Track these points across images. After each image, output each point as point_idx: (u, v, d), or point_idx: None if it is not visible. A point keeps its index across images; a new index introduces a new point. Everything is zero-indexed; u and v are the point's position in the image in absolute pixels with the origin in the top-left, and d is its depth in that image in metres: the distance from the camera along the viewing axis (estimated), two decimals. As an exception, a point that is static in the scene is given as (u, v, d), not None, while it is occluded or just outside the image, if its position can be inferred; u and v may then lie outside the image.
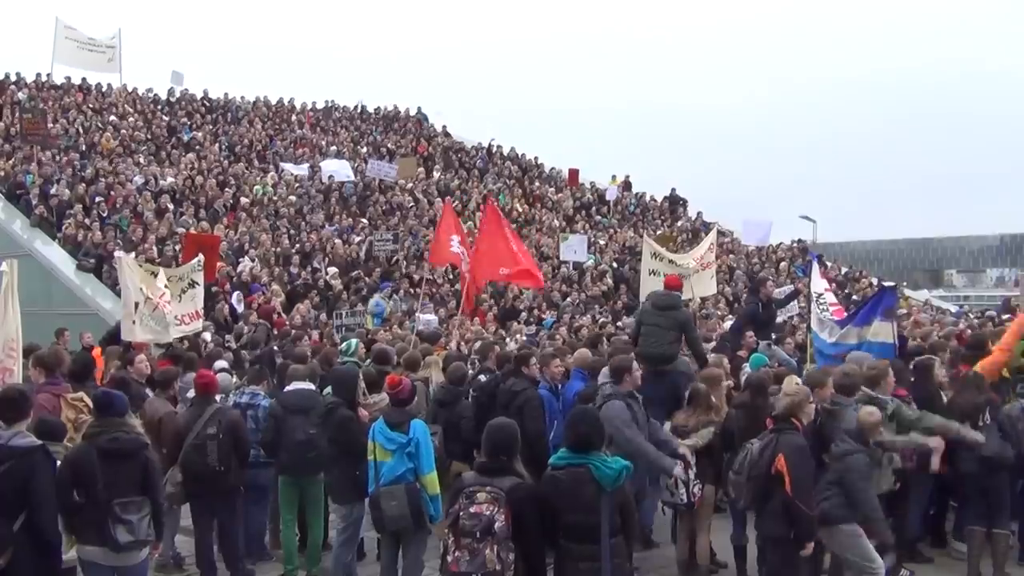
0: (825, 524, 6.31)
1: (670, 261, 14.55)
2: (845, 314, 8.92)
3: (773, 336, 12.20)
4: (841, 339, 8.06)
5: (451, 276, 20.06)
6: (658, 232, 27.35)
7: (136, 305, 10.46)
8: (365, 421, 7.34)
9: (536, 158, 33.86)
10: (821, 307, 8.38)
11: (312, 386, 8.15)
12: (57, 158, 21.83)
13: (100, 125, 25.31)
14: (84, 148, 23.30)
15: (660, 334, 9.23)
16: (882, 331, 8.07)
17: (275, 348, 11.99)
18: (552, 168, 33.56)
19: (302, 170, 25.65)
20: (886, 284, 8.43)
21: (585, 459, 4.93)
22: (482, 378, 8.90)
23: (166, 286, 11.11)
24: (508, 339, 15.08)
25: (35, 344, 9.00)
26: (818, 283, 8.77)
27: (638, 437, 7.04)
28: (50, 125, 22.61)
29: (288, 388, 8.03)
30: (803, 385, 7.31)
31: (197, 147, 25.70)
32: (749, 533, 7.44)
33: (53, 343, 10.92)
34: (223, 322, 15.45)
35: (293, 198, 23.18)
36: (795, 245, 30.26)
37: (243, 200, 22.09)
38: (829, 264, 27.67)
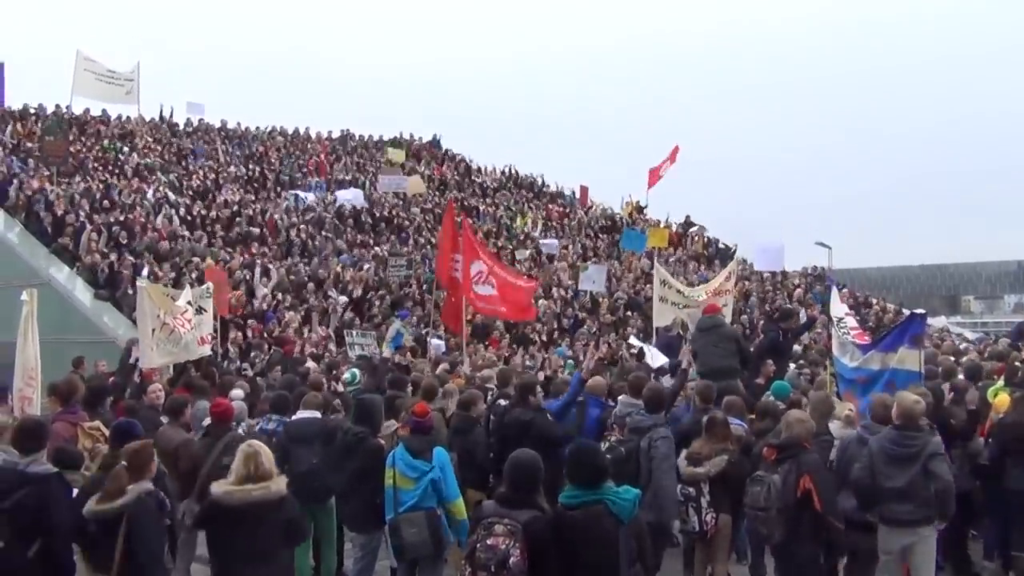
0: (915, 527, 6.28)
1: (678, 291, 14.38)
2: (867, 338, 8.83)
3: (791, 364, 12.19)
4: (863, 364, 7.95)
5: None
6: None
7: (152, 331, 10.50)
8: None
9: (549, 185, 34.06)
10: (842, 331, 8.31)
11: (319, 414, 8.11)
12: (74, 186, 22.02)
13: (119, 154, 25.57)
14: (102, 177, 23.51)
15: (714, 351, 10.47)
16: (909, 358, 7.90)
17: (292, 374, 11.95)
18: (572, 192, 33.72)
19: (317, 197, 25.81)
20: (916, 312, 8.29)
21: (599, 495, 4.81)
22: (501, 402, 8.87)
23: (189, 303, 11.23)
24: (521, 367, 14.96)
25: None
26: (838, 308, 8.75)
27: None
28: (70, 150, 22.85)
29: (295, 416, 7.99)
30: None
31: (213, 176, 25.91)
32: (767, 563, 7.32)
33: (71, 372, 10.93)
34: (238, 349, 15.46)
35: (307, 227, 23.30)
36: (810, 272, 30.09)
37: (256, 230, 22.20)
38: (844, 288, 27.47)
